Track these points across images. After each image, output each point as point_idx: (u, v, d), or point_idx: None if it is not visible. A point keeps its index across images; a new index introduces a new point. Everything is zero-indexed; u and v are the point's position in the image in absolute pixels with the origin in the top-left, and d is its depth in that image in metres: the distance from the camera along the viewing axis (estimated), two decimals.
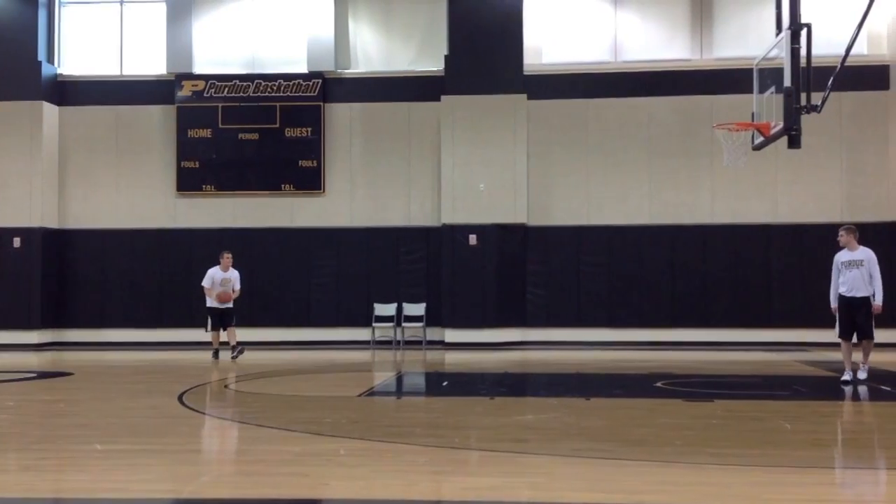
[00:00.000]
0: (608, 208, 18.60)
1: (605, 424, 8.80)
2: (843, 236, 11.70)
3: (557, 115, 18.82)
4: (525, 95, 18.46)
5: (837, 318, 11.63)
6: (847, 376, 11.60)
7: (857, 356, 11.78)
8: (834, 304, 11.67)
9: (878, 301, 11.34)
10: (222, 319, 15.74)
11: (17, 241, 18.65)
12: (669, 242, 18.39)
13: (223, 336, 15.75)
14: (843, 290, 11.53)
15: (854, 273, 11.46)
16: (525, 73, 18.63)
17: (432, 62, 19.15)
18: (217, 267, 15.82)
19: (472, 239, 18.23)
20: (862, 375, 11.59)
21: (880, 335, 12.30)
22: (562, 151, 18.78)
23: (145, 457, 7.19)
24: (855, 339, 11.58)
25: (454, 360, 16.06)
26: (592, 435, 8.16)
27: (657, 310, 18.29)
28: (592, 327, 18.34)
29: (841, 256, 11.67)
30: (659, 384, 11.94)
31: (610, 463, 6.82)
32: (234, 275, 15.81)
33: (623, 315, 18.35)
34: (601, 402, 10.49)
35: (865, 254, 11.49)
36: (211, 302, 15.77)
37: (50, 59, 19.43)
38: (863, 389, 11.23)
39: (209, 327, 15.87)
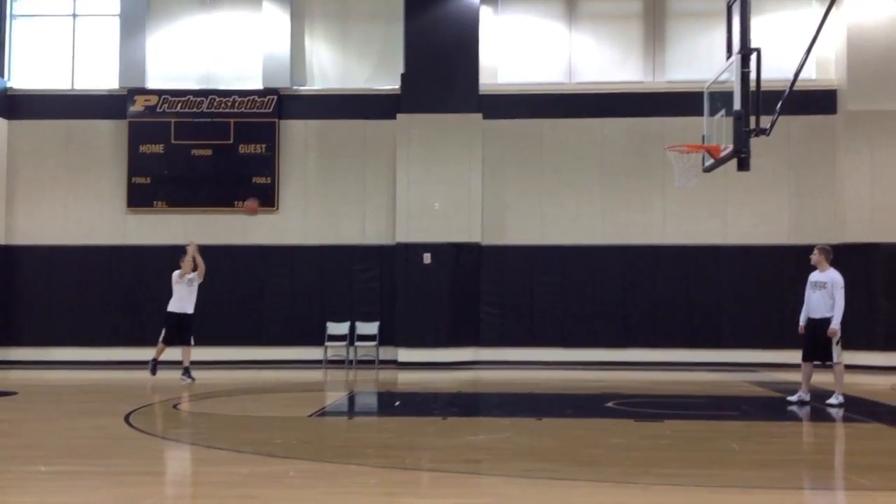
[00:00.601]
0: (562, 228, 18.72)
1: (557, 444, 8.82)
2: (814, 256, 11.75)
3: (512, 135, 18.92)
4: (480, 115, 18.54)
5: (803, 340, 11.75)
6: (794, 397, 11.71)
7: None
8: (801, 323, 11.75)
9: (833, 325, 11.32)
10: (179, 331, 14.92)
11: None
12: (622, 263, 18.54)
13: (164, 352, 14.99)
14: (807, 313, 11.65)
15: (818, 294, 11.54)
16: (481, 92, 18.72)
17: (388, 80, 19.18)
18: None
19: (427, 258, 18.22)
20: (832, 401, 11.40)
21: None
22: (516, 171, 18.88)
23: (90, 479, 7.06)
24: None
25: (407, 380, 16.00)
26: (544, 455, 8.17)
27: (609, 330, 18.42)
28: (545, 347, 18.41)
29: (811, 276, 11.78)
30: (610, 404, 12.01)
31: (560, 483, 6.84)
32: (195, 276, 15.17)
33: (575, 335, 18.44)
34: (553, 423, 10.52)
35: (830, 276, 11.52)
36: (173, 304, 15.00)
37: (0, 72, 19.12)
38: (811, 410, 11.38)
39: (162, 337, 14.97)
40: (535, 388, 14.25)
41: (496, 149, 18.77)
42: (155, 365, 14.96)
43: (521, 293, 18.63)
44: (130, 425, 9.74)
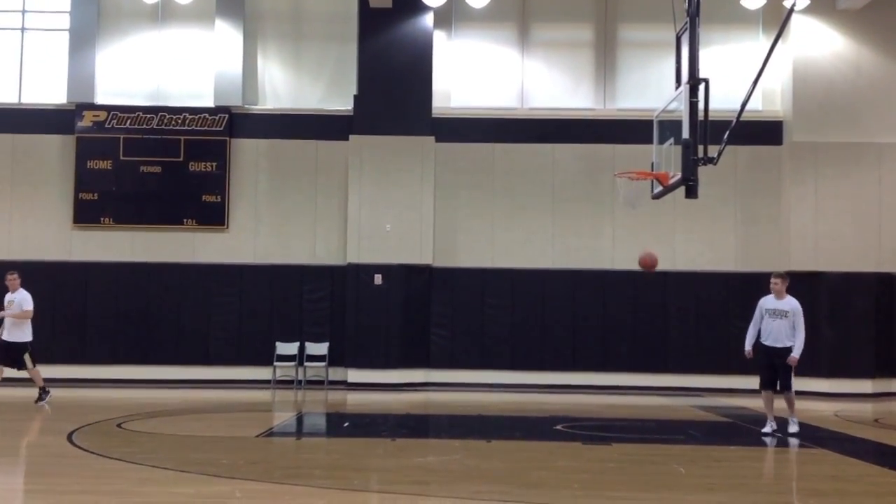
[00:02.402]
0: (512, 252, 18.81)
1: (506, 467, 8.84)
2: (777, 283, 11.55)
3: (465, 158, 19.01)
4: (433, 138, 18.61)
5: (759, 369, 11.54)
6: (768, 428, 11.46)
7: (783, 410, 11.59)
8: (748, 347, 11.56)
9: (795, 354, 11.22)
10: (9, 356, 13.96)
11: None
12: (571, 287, 18.66)
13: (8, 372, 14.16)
14: (765, 340, 11.47)
15: (778, 323, 11.41)
16: (433, 115, 18.80)
17: (341, 101, 19.17)
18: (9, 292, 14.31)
19: (378, 279, 18.18)
20: (793, 429, 11.36)
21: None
22: (468, 194, 18.96)
23: (30, 498, 6.91)
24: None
25: (356, 401, 15.92)
26: (492, 477, 8.18)
27: (558, 353, 18.51)
28: (495, 369, 18.44)
29: (766, 303, 11.60)
30: (559, 427, 12.07)
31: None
32: (17, 297, 14.06)
33: (525, 358, 18.50)
34: (502, 445, 10.54)
35: (791, 304, 11.43)
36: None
37: None
38: (756, 435, 11.53)
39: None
40: (485, 411, 14.27)
41: (448, 172, 18.84)
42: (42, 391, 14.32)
43: (472, 315, 18.66)
44: (73, 444, 9.55)
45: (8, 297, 14.18)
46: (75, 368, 17.96)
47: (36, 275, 18.34)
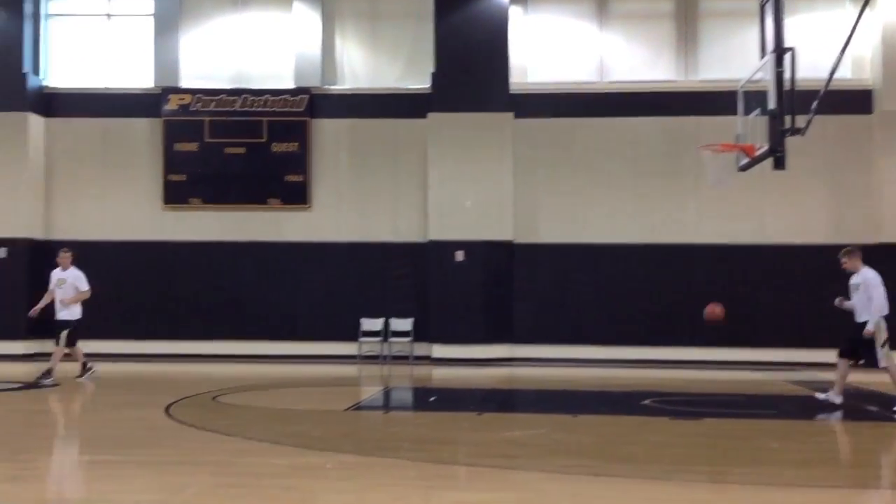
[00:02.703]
0: (594, 227, 18.67)
1: (593, 441, 8.83)
2: (845, 262, 11.30)
3: (544, 134, 18.91)
4: (512, 114, 18.54)
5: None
6: (826, 396, 11.34)
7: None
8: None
9: (869, 327, 10.85)
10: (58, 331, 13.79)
11: (2, 252, 18.54)
12: (655, 261, 18.45)
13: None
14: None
15: (855, 297, 11.16)
16: (511, 91, 18.72)
17: (419, 79, 19.22)
18: (58, 269, 14.07)
19: (459, 255, 18.26)
20: (831, 399, 11.16)
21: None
22: (548, 170, 18.87)
23: (132, 468, 7.17)
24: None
25: (441, 376, 16.06)
26: (580, 452, 8.18)
27: (643, 327, 18.34)
28: (580, 345, 18.37)
29: (850, 279, 11.37)
30: (646, 402, 11.98)
31: (598, 479, 6.86)
32: (70, 275, 13.85)
33: (610, 333, 18.38)
34: (589, 419, 10.51)
35: (863, 276, 11.14)
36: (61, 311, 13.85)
37: (35, 71, 19.36)
38: (850, 409, 11.28)
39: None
40: (571, 386, 14.25)
41: (527, 147, 18.77)
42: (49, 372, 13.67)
43: (556, 291, 18.61)
44: (171, 416, 9.87)
45: (59, 274, 13.88)
46: (169, 344, 18.53)
47: (129, 254, 19.01)
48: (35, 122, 19.03)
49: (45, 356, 18.31)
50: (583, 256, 18.63)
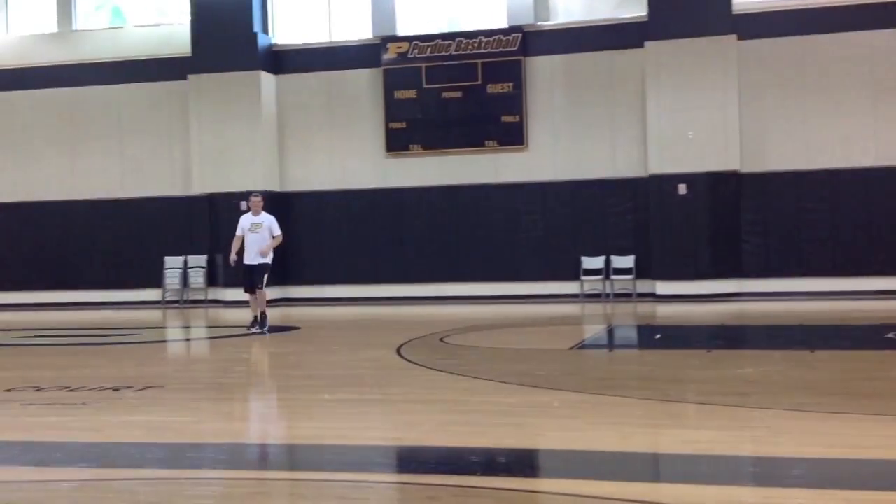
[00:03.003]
0: (829, 151, 17.54)
1: (832, 377, 8.41)
2: None
3: (771, 56, 17.86)
4: (735, 36, 17.62)
5: None
6: None
7: None
8: None
9: None
10: (246, 278, 13.31)
11: (244, 205, 19.78)
12: None
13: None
14: None
15: None
16: (734, 12, 17.77)
17: (635, 7, 18.62)
18: (248, 213, 13.57)
19: (682, 188, 17.72)
20: None
21: None
22: (776, 93, 17.84)
23: (369, 406, 7.55)
24: None
25: (666, 313, 15.77)
26: (818, 388, 7.82)
27: (886, 256, 17.13)
28: (815, 277, 17.42)
29: None
30: (890, 335, 11.23)
31: (836, 417, 6.52)
32: (266, 220, 13.31)
33: (848, 263, 17.31)
34: (826, 355, 10.00)
35: None
36: (241, 257, 13.26)
37: (265, 30, 20.38)
38: None
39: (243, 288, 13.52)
40: (806, 320, 13.59)
41: (754, 71, 17.81)
42: (255, 320, 13.40)
43: (787, 221, 17.71)
44: (402, 357, 10.29)
45: (252, 218, 13.29)
46: (396, 287, 19.28)
47: (356, 202, 19.85)
48: (266, 79, 20.09)
49: (286, 301, 19.56)
50: (817, 184, 17.57)
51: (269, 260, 13.26)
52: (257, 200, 13.43)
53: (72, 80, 20.93)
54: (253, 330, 13.13)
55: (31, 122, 21.25)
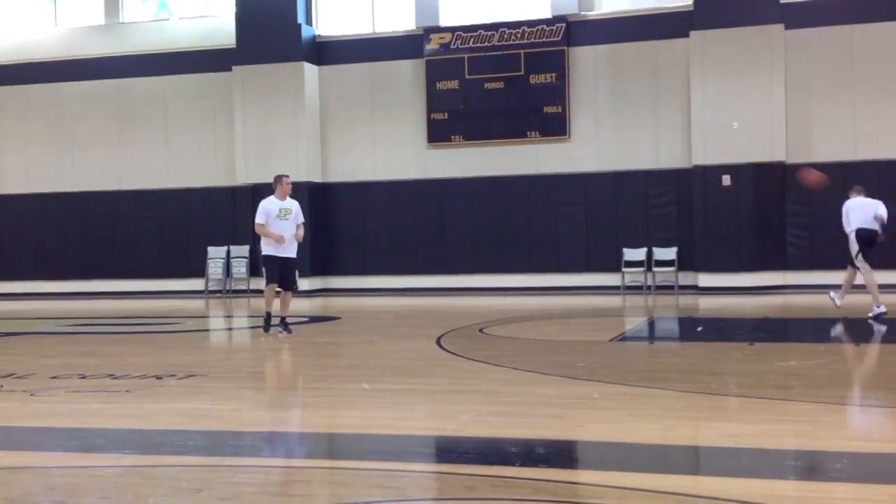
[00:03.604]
0: (878, 141, 17.22)
1: (879, 371, 8.28)
2: None
3: (818, 45, 17.57)
4: (782, 25, 17.36)
5: None
6: None
7: None
8: None
9: None
10: (282, 274, 11.47)
11: None
12: None
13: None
14: None
15: None
16: (781, 1, 17.50)
17: None
18: (271, 196, 11.56)
19: (726, 180, 17.51)
20: None
21: None
22: (824, 83, 17.56)
23: (409, 396, 7.56)
24: None
25: (708, 305, 15.61)
26: (864, 382, 7.70)
27: None
28: None
29: None
30: None
31: (880, 411, 6.42)
32: (294, 206, 11.53)
33: (895, 255, 16.98)
34: (874, 348, 9.85)
35: None
36: (269, 247, 11.40)
37: (308, 22, 20.48)
38: None
39: (267, 281, 11.51)
40: (852, 313, 13.36)
41: (800, 60, 17.54)
42: (269, 320, 11.77)
43: (832, 213, 17.32)
44: (442, 347, 10.30)
45: (280, 203, 11.42)
46: (437, 278, 19.31)
47: (397, 193, 19.90)
48: (310, 70, 20.20)
49: (327, 292, 19.67)
50: (864, 174, 17.23)
51: (295, 252, 11.58)
52: (288, 183, 11.56)
53: (118, 72, 21.22)
54: (282, 332, 11.47)
55: (78, 114, 21.58)
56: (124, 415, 6.91)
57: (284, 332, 11.51)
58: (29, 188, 21.66)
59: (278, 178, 11.60)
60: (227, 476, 5.10)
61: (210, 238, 20.47)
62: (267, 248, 11.43)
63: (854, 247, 12.77)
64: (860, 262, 12.77)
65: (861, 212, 13.01)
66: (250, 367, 9.80)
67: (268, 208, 11.35)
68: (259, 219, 11.39)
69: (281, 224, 11.32)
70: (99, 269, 21.16)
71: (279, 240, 11.25)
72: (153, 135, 21.15)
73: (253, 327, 14.83)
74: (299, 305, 17.07)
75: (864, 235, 12.90)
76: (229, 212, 20.59)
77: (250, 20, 20.02)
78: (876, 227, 13.02)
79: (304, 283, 19.70)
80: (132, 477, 5.10)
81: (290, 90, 20.01)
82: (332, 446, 6.15)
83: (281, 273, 11.45)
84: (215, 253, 20.45)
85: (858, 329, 11.93)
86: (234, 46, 20.22)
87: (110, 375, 8.57)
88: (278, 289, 11.54)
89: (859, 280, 13.22)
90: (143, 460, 5.49)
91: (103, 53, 21.37)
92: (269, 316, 11.67)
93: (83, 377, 8.55)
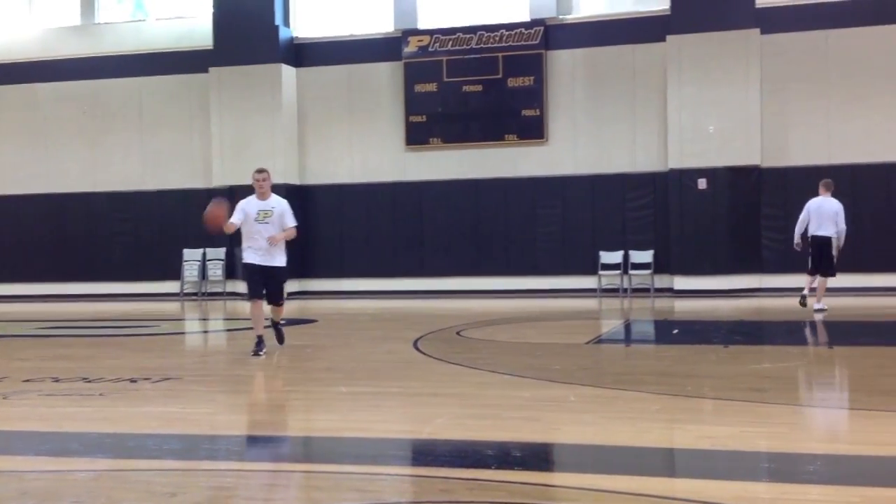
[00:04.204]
0: (852, 146, 17.38)
1: (850, 373, 8.35)
2: None
3: (794, 49, 17.71)
4: (758, 30, 17.49)
5: None
6: None
7: None
8: None
9: None
10: (266, 284, 9.86)
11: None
12: None
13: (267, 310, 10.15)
14: None
15: None
16: (757, 5, 17.63)
17: (657, 1, 18.50)
18: (251, 196, 9.94)
19: (702, 183, 17.62)
20: None
21: None
22: (799, 87, 17.70)
23: (386, 399, 7.56)
24: None
25: (684, 308, 15.70)
26: (836, 384, 7.77)
27: None
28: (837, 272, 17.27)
29: None
30: None
31: (855, 413, 6.48)
32: (279, 206, 9.90)
33: (869, 259, 17.15)
34: (846, 351, 9.93)
35: None
36: (249, 252, 9.80)
37: (286, 23, 20.40)
38: None
39: (250, 295, 10.00)
40: (826, 316, 13.49)
41: (776, 65, 17.67)
42: (261, 341, 10.04)
43: None
44: (419, 350, 10.30)
45: (259, 204, 9.83)
46: (414, 281, 19.29)
47: (375, 196, 19.86)
48: (287, 72, 20.11)
49: (304, 294, 19.61)
50: (838, 179, 17.36)
51: (286, 262, 10.04)
52: (263, 178, 9.88)
53: (94, 73, 21.06)
54: (261, 353, 9.83)
55: (53, 115, 21.40)
56: (98, 418, 6.86)
57: (262, 352, 9.81)
58: (2, 189, 21.45)
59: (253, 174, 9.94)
60: (201, 480, 5.07)
61: (186, 240, 20.33)
62: (247, 255, 9.77)
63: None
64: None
65: (818, 217, 13.52)
66: (226, 371, 9.74)
67: (245, 209, 9.82)
68: (233, 217, 9.76)
69: (258, 228, 9.70)
70: (73, 272, 20.97)
71: (226, 233, 9.77)
72: (129, 136, 21.00)
73: (229, 330, 14.76)
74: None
75: (817, 242, 13.43)
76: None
77: (227, 21, 19.93)
78: (832, 233, 13.18)
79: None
80: (105, 481, 5.06)
81: (268, 92, 19.93)
82: (308, 450, 6.14)
83: (266, 285, 9.82)
84: (191, 255, 20.33)
85: (832, 332, 12.04)
86: (211, 48, 20.11)
87: (84, 379, 8.51)
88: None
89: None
90: (117, 464, 5.45)
91: (78, 54, 21.20)
92: (260, 340, 9.87)
93: (56, 380, 8.48)
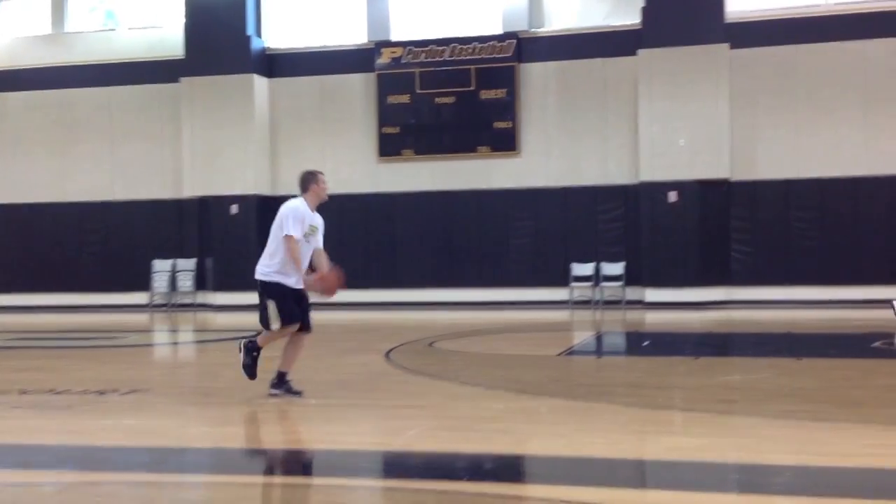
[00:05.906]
0: (819, 160, 17.60)
1: (818, 385, 8.43)
2: None
3: (763, 64, 17.92)
4: (727, 45, 17.68)
5: None
6: None
7: None
8: None
9: None
10: (302, 307, 8.09)
11: (234, 208, 19.77)
12: (888, 194, 17.19)
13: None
14: None
15: None
16: (727, 21, 17.83)
17: (628, 15, 18.67)
18: (301, 199, 8.07)
19: (672, 196, 17.75)
20: None
21: None
22: (768, 101, 17.90)
23: (357, 411, 7.54)
24: None
25: (655, 320, 15.80)
26: (804, 396, 7.84)
27: (874, 266, 17.19)
28: (803, 285, 17.46)
29: None
30: (877, 344, 11.27)
31: (823, 425, 6.54)
32: (322, 222, 8.28)
33: (836, 272, 17.36)
34: (814, 363, 10.03)
35: None
36: (283, 275, 7.95)
37: (258, 34, 20.35)
38: None
39: (286, 321, 8.07)
40: (793, 328, 13.63)
41: (745, 79, 17.86)
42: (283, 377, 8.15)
43: (776, 229, 17.75)
44: (390, 362, 10.28)
45: (311, 218, 8.12)
46: (386, 293, 19.23)
47: (348, 207, 19.77)
48: (259, 82, 20.05)
49: None
50: (806, 192, 17.64)
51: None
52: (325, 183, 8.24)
53: (64, 82, 20.87)
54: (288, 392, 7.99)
55: (22, 124, 21.19)
56: (65, 431, 6.78)
57: (295, 396, 7.90)
58: None
59: (312, 176, 8.08)
60: (169, 493, 5.03)
61: (156, 251, 20.18)
62: (279, 276, 7.93)
63: None
64: None
65: None
66: (195, 383, 9.68)
67: (305, 217, 7.91)
68: (293, 230, 7.82)
69: (306, 247, 8.00)
70: (41, 282, 20.73)
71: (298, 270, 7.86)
72: (99, 146, 20.82)
73: (198, 342, 14.64)
74: (247, 320, 16.88)
75: None
76: (176, 225, 20.32)
77: (199, 31, 19.84)
78: None
79: (252, 298, 19.50)
80: (72, 494, 5.01)
81: (239, 102, 19.85)
82: (278, 462, 6.10)
83: (298, 307, 8.04)
84: (161, 266, 20.15)
85: (800, 344, 12.16)
86: (183, 58, 20.01)
87: (51, 391, 8.41)
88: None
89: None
90: (84, 477, 5.39)
91: (48, 63, 21.02)
92: (283, 375, 8.09)
93: (24, 392, 8.38)
